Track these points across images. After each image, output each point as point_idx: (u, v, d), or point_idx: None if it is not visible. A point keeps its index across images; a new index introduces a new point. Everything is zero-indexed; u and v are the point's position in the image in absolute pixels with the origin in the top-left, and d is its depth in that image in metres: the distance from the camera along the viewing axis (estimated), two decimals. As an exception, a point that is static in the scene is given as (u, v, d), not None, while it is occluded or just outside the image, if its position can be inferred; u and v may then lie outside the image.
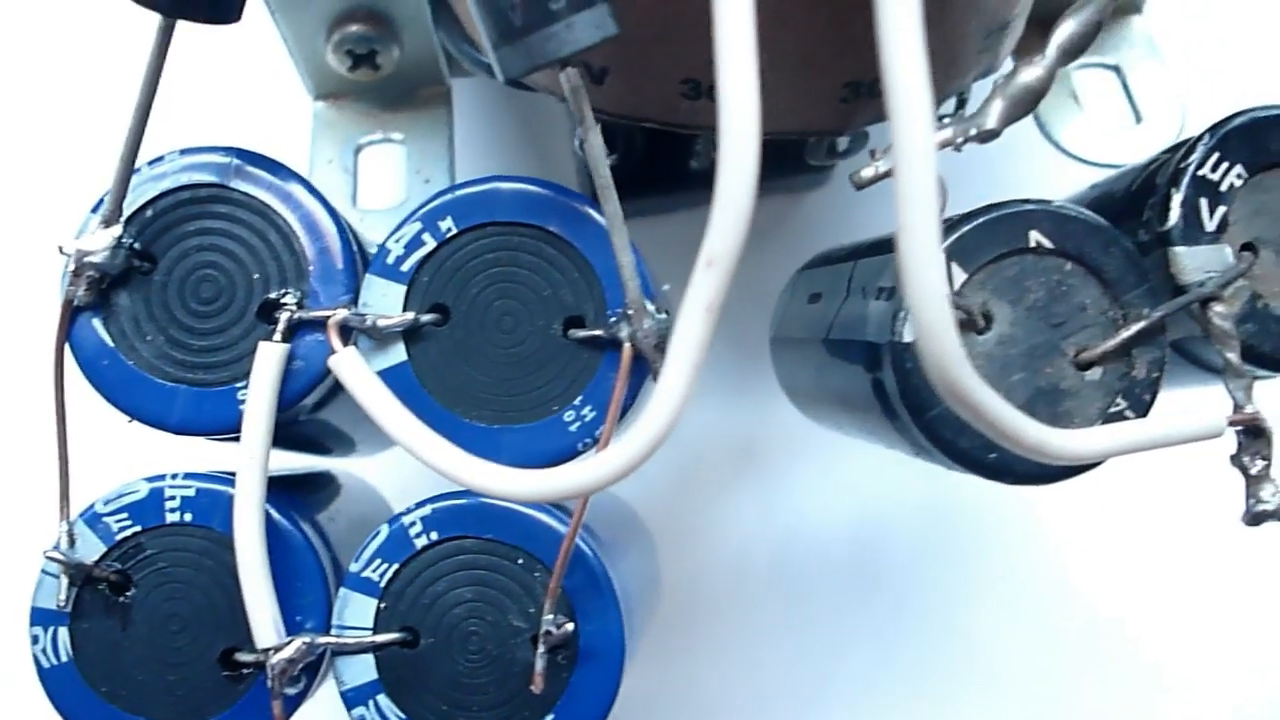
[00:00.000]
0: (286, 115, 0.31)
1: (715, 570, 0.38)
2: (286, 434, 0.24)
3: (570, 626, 0.20)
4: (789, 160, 0.32)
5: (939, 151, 0.18)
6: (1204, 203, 0.20)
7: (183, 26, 0.19)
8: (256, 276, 0.20)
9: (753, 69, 0.15)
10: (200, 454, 0.22)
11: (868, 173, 0.18)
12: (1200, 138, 0.20)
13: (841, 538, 0.38)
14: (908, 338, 0.19)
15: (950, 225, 0.19)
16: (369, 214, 0.29)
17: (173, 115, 0.31)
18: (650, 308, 0.19)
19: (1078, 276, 0.19)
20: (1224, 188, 0.20)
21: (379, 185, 0.30)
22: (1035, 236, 0.19)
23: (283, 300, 0.20)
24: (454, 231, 0.20)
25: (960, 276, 0.19)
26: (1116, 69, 0.31)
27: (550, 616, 0.19)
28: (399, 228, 0.20)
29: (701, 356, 0.16)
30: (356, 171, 0.30)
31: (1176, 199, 0.20)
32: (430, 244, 0.20)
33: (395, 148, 0.30)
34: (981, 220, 0.19)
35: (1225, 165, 0.20)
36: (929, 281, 0.14)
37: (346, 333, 0.20)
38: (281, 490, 0.22)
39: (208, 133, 0.29)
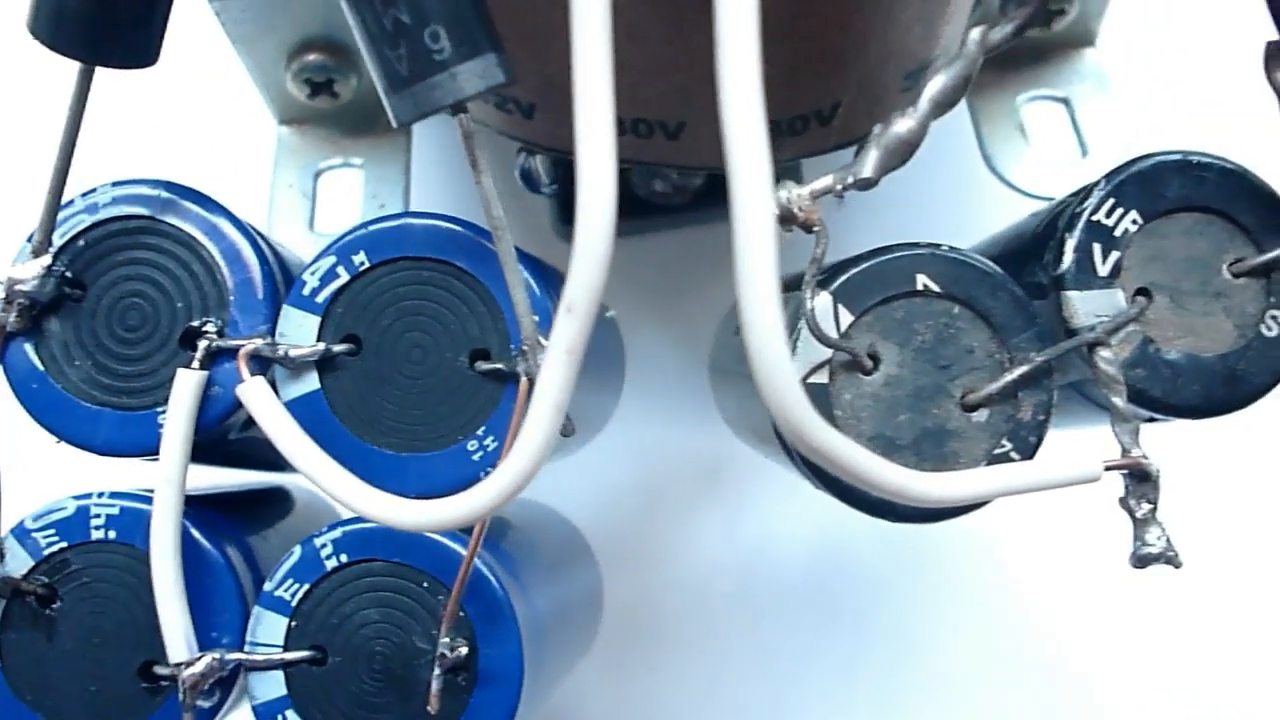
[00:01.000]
0: (257, 139, 0.32)
1: (680, 590, 0.38)
2: (228, 451, 0.25)
3: (464, 650, 0.20)
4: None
5: (825, 199, 0.19)
6: (1097, 248, 0.20)
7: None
8: (180, 305, 0.21)
9: (608, 129, 0.15)
10: (134, 472, 0.23)
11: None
12: (1097, 183, 0.21)
13: (804, 560, 0.38)
14: (794, 377, 0.19)
15: (837, 268, 0.20)
16: (324, 237, 0.30)
17: (147, 134, 0.32)
18: (546, 343, 0.20)
19: (966, 319, 0.20)
20: (1118, 233, 0.20)
21: (337, 210, 0.30)
22: (922, 280, 0.20)
23: (203, 329, 0.21)
24: (367, 265, 0.21)
25: (847, 318, 0.20)
26: (1066, 101, 0.31)
27: (446, 639, 0.20)
28: (315, 260, 0.21)
29: (565, 397, 0.16)
30: (315, 196, 0.31)
31: (1070, 244, 0.20)
32: (344, 277, 0.21)
33: (355, 173, 0.31)
34: (868, 264, 0.20)
35: (1120, 211, 0.20)
36: (768, 338, 0.15)
37: (264, 362, 0.21)
38: (211, 509, 0.23)
39: (181, 153, 0.30)
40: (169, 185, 0.22)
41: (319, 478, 0.19)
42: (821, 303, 0.20)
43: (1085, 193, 0.21)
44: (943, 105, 0.18)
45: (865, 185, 0.18)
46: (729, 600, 0.38)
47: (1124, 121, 0.30)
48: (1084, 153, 0.30)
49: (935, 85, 0.18)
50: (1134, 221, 0.20)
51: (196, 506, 0.23)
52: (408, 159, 0.31)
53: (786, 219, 0.18)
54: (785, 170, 0.28)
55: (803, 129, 0.24)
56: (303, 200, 0.30)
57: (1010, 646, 0.36)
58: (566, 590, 0.27)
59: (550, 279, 0.22)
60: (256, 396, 0.20)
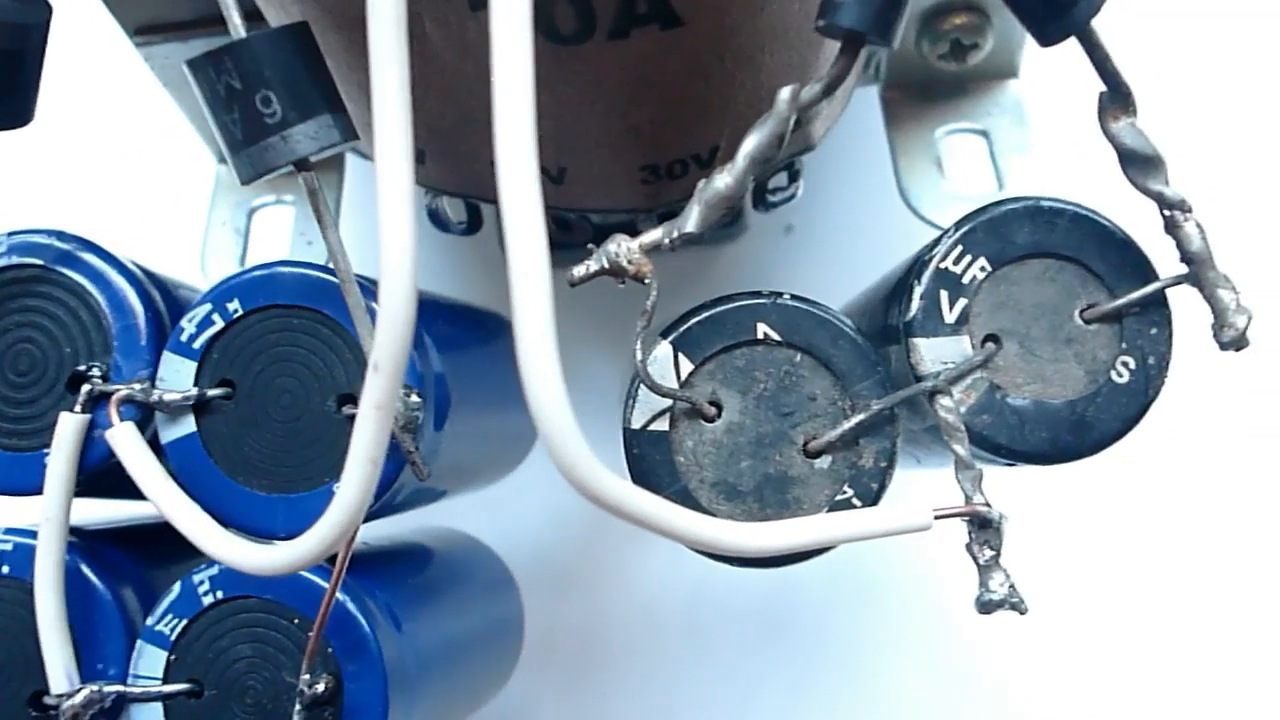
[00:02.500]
0: (196, 177, 0.33)
1: (630, 612, 0.39)
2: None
3: (322, 686, 0.21)
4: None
5: (661, 251, 0.19)
6: (944, 295, 0.20)
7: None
8: (68, 351, 0.22)
9: (407, 199, 0.16)
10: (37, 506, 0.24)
11: (579, 270, 0.19)
12: (947, 230, 0.21)
13: (752, 582, 0.39)
14: (634, 424, 0.20)
15: (681, 317, 0.20)
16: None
17: (90, 173, 0.33)
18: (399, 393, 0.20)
19: (807, 367, 0.20)
20: (966, 280, 0.21)
21: (268, 247, 0.31)
22: (763, 329, 0.20)
23: (88, 374, 0.22)
24: (241, 312, 0.22)
25: (688, 367, 0.20)
26: (985, 134, 0.31)
27: (306, 676, 0.21)
28: (193, 307, 0.22)
29: (379, 451, 0.17)
30: (248, 233, 0.32)
31: (917, 291, 0.20)
32: (219, 324, 0.22)
33: (288, 209, 0.32)
34: (708, 314, 0.20)
35: (969, 258, 0.21)
36: (547, 394, 0.15)
37: (141, 406, 0.22)
38: (111, 544, 0.24)
39: (122, 191, 0.32)
40: (61, 235, 0.23)
41: (175, 519, 0.20)
42: (662, 351, 0.20)
43: (937, 239, 0.21)
44: (758, 162, 0.18)
45: (691, 239, 0.19)
46: (679, 622, 0.39)
47: (1041, 155, 0.30)
48: (1000, 186, 0.30)
49: (750, 143, 0.18)
50: (982, 269, 0.21)
51: (95, 541, 0.24)
52: (339, 196, 0.32)
53: (617, 272, 0.19)
54: (674, 211, 0.29)
55: (682, 173, 0.24)
56: (235, 237, 0.31)
57: (955, 669, 0.36)
58: (464, 622, 0.28)
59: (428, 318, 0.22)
60: (123, 442, 0.21)
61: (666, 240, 0.19)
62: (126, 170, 0.34)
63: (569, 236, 0.27)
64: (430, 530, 0.30)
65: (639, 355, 0.19)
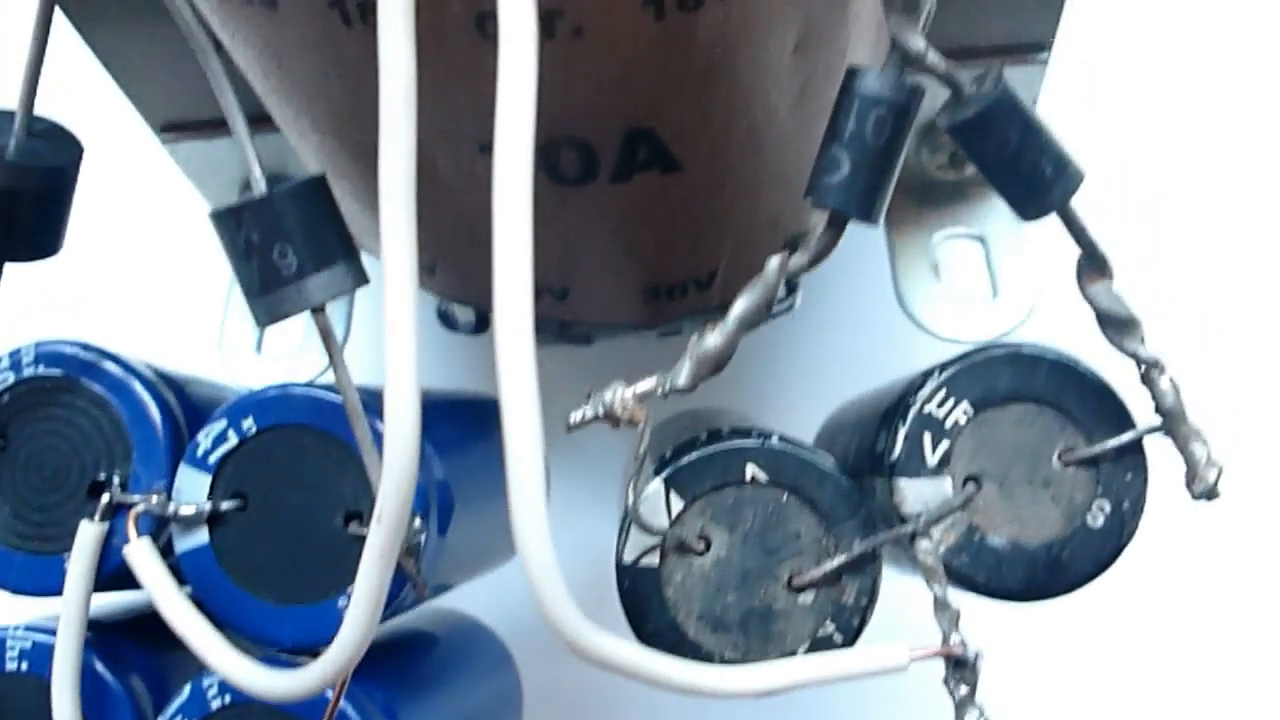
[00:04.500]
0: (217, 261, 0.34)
1: (625, 680, 0.39)
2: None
3: (324, 796, 0.22)
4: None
5: (651, 396, 0.20)
6: (928, 437, 0.21)
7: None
8: (89, 459, 0.23)
9: (411, 356, 0.17)
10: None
11: (575, 417, 0.20)
12: (932, 371, 0.22)
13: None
14: (626, 559, 0.21)
15: (671, 456, 0.21)
16: (271, 360, 0.32)
17: (110, 265, 0.35)
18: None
19: (793, 506, 0.21)
20: (949, 424, 0.21)
21: (284, 335, 0.32)
22: (751, 470, 0.21)
23: (108, 482, 0.23)
24: (255, 430, 0.23)
25: (678, 504, 0.21)
26: (982, 240, 0.31)
27: (309, 785, 0.22)
28: (209, 423, 0.23)
29: (380, 595, 0.18)
30: (265, 317, 0.32)
31: (901, 433, 0.21)
32: (234, 440, 0.23)
33: (303, 295, 0.33)
34: (699, 454, 0.21)
35: (952, 402, 0.21)
36: (537, 554, 0.16)
37: (157, 519, 0.23)
38: (123, 636, 0.25)
39: (144, 277, 0.33)
40: (86, 346, 0.24)
41: (187, 637, 0.21)
42: (654, 488, 0.21)
43: (921, 382, 0.22)
44: (748, 324, 0.19)
45: (683, 391, 0.19)
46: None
47: (1036, 263, 0.31)
48: (995, 294, 0.31)
49: (740, 307, 0.19)
50: (965, 413, 0.21)
51: (108, 635, 0.25)
52: (351, 296, 0.33)
53: (611, 419, 0.20)
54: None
55: (682, 294, 0.25)
56: (252, 325, 0.32)
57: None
58: (462, 707, 0.29)
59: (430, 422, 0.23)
60: (140, 559, 0.22)
61: (659, 391, 0.20)
62: (148, 252, 0.35)
63: (570, 330, 0.28)
64: (426, 612, 0.31)
65: (631, 498, 0.20)
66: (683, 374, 0.19)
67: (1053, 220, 0.19)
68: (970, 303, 0.31)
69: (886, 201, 0.18)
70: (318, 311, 0.20)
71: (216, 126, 0.30)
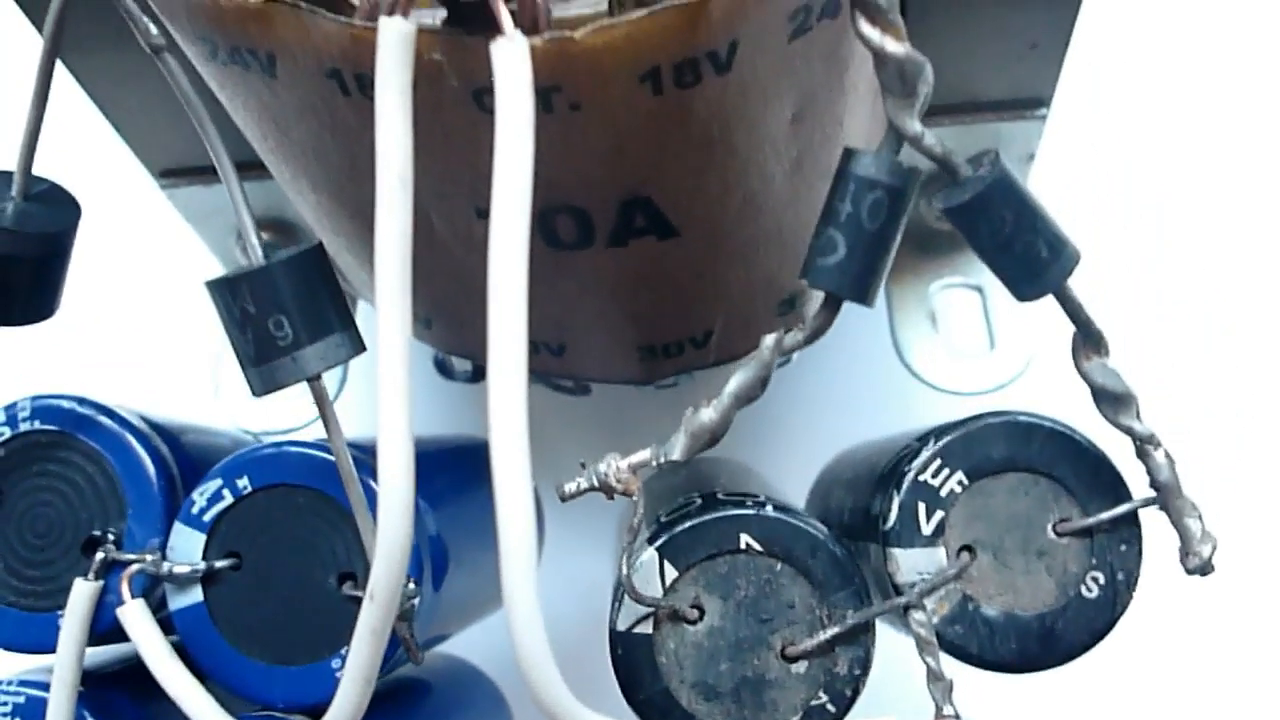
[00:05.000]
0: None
1: None
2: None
3: None
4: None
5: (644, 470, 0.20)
6: (922, 507, 0.21)
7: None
8: (84, 515, 0.23)
9: (405, 438, 0.17)
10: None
11: (570, 487, 0.20)
12: (925, 441, 0.22)
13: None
14: (620, 626, 0.21)
15: (666, 523, 0.21)
16: (270, 401, 0.32)
17: (106, 298, 0.35)
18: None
19: (787, 576, 0.21)
20: (944, 493, 0.21)
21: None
22: (745, 539, 0.21)
23: (103, 540, 0.23)
24: (249, 489, 0.23)
25: (672, 573, 0.21)
26: (979, 290, 0.31)
27: None
28: (204, 481, 0.23)
29: (373, 669, 0.18)
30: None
31: (895, 502, 0.21)
32: (229, 499, 0.23)
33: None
34: (693, 522, 0.21)
35: (946, 471, 0.21)
36: (526, 623, 0.16)
37: (152, 577, 0.23)
38: (116, 688, 0.25)
39: (143, 313, 0.33)
40: (82, 400, 0.24)
41: (182, 702, 0.21)
42: (648, 557, 0.21)
43: (916, 449, 0.22)
44: (742, 399, 0.19)
45: (676, 466, 0.19)
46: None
47: (1033, 314, 0.31)
48: (992, 345, 0.31)
49: (735, 382, 0.19)
50: (959, 482, 0.21)
51: (99, 688, 0.25)
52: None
53: (605, 489, 0.20)
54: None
55: (678, 352, 0.25)
56: (249, 363, 0.32)
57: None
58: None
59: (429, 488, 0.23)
60: (133, 620, 0.22)
61: (654, 462, 0.20)
62: (143, 291, 0.35)
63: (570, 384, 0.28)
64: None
65: (624, 569, 0.20)
66: (677, 448, 0.19)
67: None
68: (967, 354, 0.31)
69: (882, 282, 0.18)
70: (313, 380, 0.20)
71: (214, 172, 0.30)
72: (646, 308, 0.24)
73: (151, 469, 0.24)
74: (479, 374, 0.29)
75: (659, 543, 0.21)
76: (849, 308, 0.18)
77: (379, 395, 0.17)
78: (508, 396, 0.16)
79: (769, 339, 0.19)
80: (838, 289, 0.18)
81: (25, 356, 0.32)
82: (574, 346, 0.25)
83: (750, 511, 0.21)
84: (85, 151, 0.25)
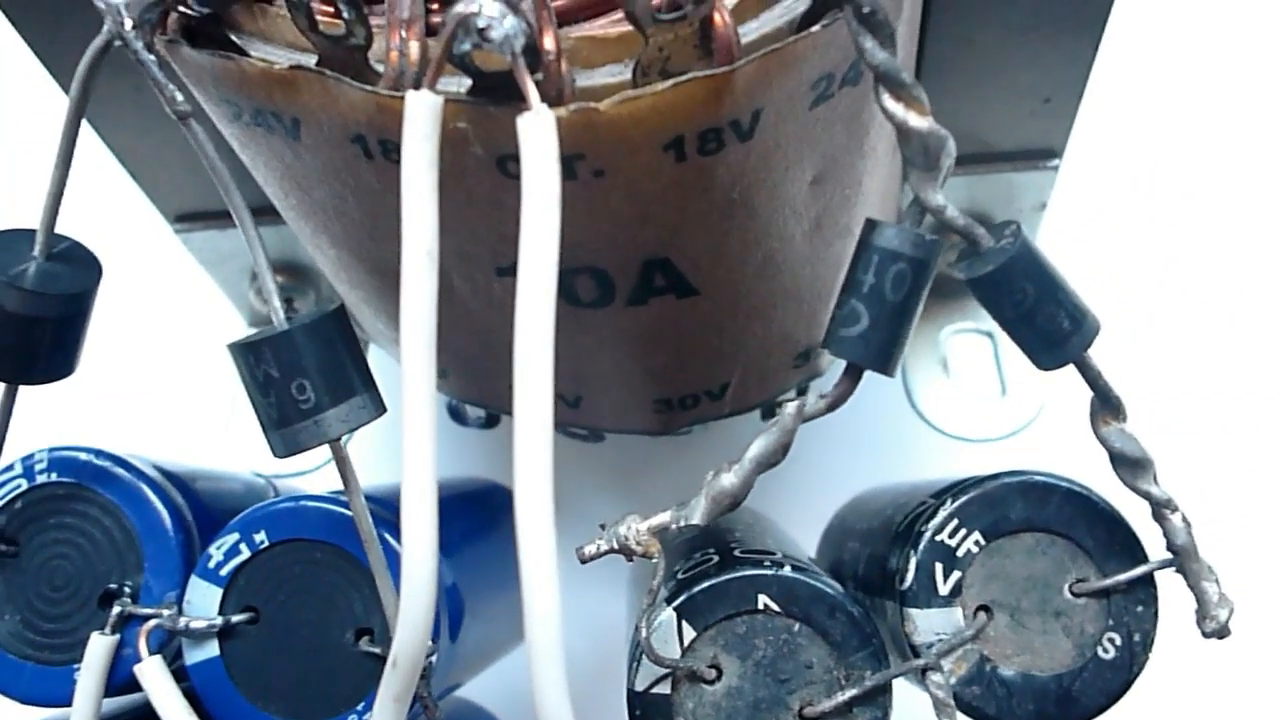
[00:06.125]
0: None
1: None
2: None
3: None
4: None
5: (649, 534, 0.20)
6: (939, 567, 0.21)
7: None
8: (101, 568, 0.23)
9: (429, 509, 0.17)
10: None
11: (589, 549, 0.20)
12: (942, 500, 0.22)
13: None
14: (638, 686, 0.21)
15: (684, 583, 0.21)
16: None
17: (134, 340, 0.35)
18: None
19: (805, 636, 0.21)
20: (961, 553, 0.21)
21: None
22: (764, 600, 0.21)
23: (120, 593, 0.23)
24: (266, 544, 0.23)
25: (690, 634, 0.21)
26: (990, 335, 0.32)
27: None
28: (221, 535, 0.23)
29: (395, 737, 0.18)
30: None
31: (912, 562, 0.21)
32: (246, 553, 0.23)
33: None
34: (711, 582, 0.21)
35: (964, 532, 0.21)
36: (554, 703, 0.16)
37: (169, 631, 0.23)
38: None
39: (163, 351, 0.32)
40: (100, 453, 0.24)
41: (197, 761, 0.21)
42: (666, 617, 0.21)
43: (930, 510, 0.22)
44: (764, 465, 0.19)
45: (693, 529, 0.19)
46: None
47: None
48: (1004, 391, 0.31)
49: (757, 447, 0.19)
50: (976, 542, 0.21)
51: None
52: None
53: (625, 552, 0.20)
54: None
55: (694, 404, 0.25)
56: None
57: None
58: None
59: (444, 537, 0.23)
60: (151, 677, 0.22)
61: (674, 526, 0.20)
62: (158, 334, 0.35)
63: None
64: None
65: (643, 631, 0.20)
66: (698, 512, 0.19)
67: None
68: (979, 400, 0.31)
69: (904, 352, 0.18)
70: (334, 441, 0.20)
71: (229, 217, 0.30)
72: (664, 363, 0.24)
73: (168, 522, 0.24)
74: (492, 421, 0.29)
75: (677, 602, 0.21)
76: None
77: (404, 470, 0.17)
78: (533, 470, 0.16)
79: (790, 407, 0.19)
80: (861, 360, 0.18)
81: (42, 401, 0.32)
82: (590, 399, 0.25)
83: (769, 571, 0.21)
84: (101, 195, 0.25)
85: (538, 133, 0.17)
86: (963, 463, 0.26)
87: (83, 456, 0.24)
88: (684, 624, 0.21)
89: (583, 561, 0.20)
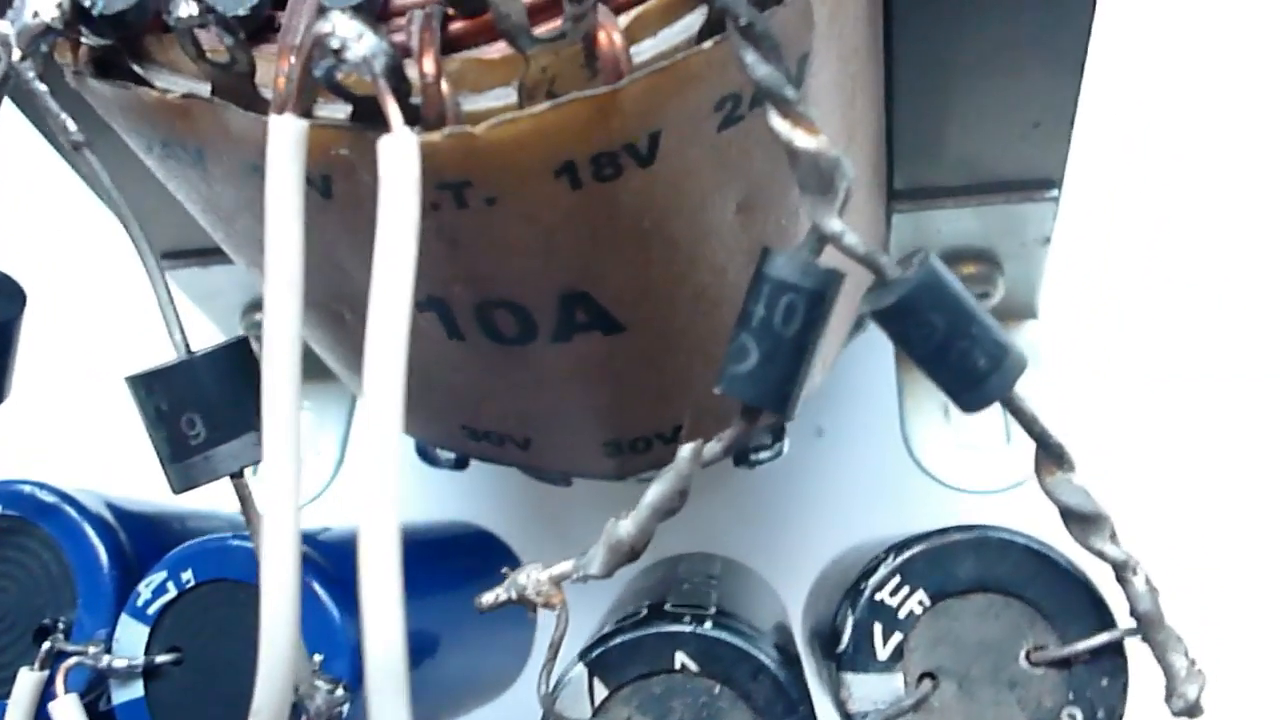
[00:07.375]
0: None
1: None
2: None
3: None
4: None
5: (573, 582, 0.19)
6: (878, 628, 0.20)
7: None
8: (38, 603, 0.23)
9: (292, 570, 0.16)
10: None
11: (487, 599, 0.19)
12: (885, 556, 0.20)
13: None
14: (546, 747, 0.20)
15: (600, 638, 0.20)
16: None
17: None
18: (322, 685, 0.21)
19: (726, 699, 0.19)
20: (903, 614, 0.20)
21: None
22: (681, 658, 0.19)
23: (53, 628, 0.23)
24: (193, 583, 0.22)
25: (602, 692, 0.20)
26: (998, 379, 0.29)
27: None
28: (150, 573, 0.23)
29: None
30: (264, 436, 0.32)
31: (849, 622, 0.20)
32: (172, 592, 0.22)
33: (304, 415, 0.33)
34: (626, 638, 0.20)
35: (906, 590, 0.20)
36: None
37: (94, 670, 0.22)
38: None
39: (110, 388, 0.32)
40: (45, 487, 0.24)
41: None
42: (576, 673, 0.20)
43: (874, 564, 0.20)
44: (661, 512, 0.18)
45: (598, 578, 0.18)
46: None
47: (1053, 403, 0.28)
48: (1008, 439, 0.29)
49: (653, 494, 0.18)
50: (920, 603, 0.20)
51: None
52: (350, 407, 0.32)
53: (526, 602, 0.19)
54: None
55: (646, 448, 0.24)
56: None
57: None
58: None
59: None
60: (61, 715, 0.21)
61: (575, 575, 0.18)
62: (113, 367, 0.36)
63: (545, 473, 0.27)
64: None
65: (545, 688, 0.19)
66: (596, 562, 0.18)
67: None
68: (981, 449, 0.29)
69: (803, 391, 0.17)
70: (237, 477, 0.20)
71: (212, 254, 0.30)
72: (604, 402, 0.23)
73: (104, 558, 0.23)
74: (462, 463, 0.29)
75: (589, 658, 0.20)
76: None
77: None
78: (378, 501, 0.15)
79: (685, 449, 0.17)
80: (751, 399, 0.16)
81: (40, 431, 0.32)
82: (538, 440, 0.24)
83: (688, 629, 0.20)
84: (87, 232, 0.25)
85: (396, 155, 0.16)
86: (963, 515, 0.24)
87: (26, 489, 0.24)
88: (595, 681, 0.20)
89: (480, 611, 0.19)
